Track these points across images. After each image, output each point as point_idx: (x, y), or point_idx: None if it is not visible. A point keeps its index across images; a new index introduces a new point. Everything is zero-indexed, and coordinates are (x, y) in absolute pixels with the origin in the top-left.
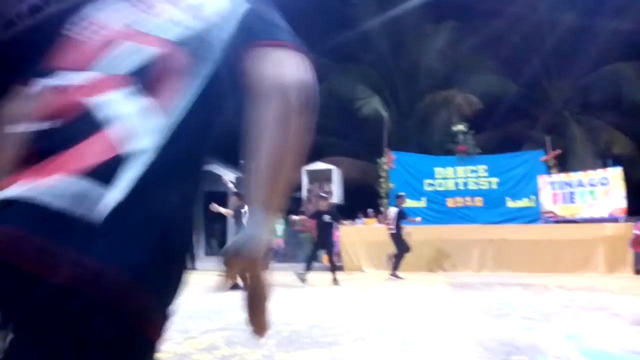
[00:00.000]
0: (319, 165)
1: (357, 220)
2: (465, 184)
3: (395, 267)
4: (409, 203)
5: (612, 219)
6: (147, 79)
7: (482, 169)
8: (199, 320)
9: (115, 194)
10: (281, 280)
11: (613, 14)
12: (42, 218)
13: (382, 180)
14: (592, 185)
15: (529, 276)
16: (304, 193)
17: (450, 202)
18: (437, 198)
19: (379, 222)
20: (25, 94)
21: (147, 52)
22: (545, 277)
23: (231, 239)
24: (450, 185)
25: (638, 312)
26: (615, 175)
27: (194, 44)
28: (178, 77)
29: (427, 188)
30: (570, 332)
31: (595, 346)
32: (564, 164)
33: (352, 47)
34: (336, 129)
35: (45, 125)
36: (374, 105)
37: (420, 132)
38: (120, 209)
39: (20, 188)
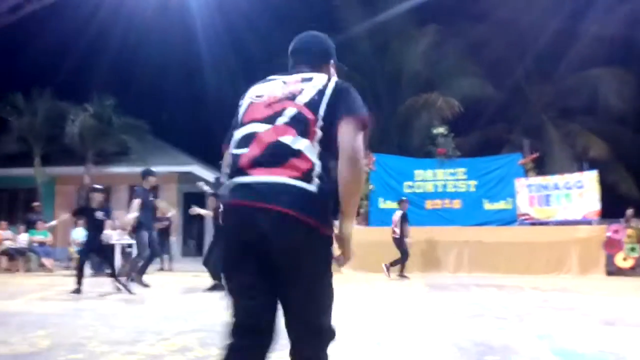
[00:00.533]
0: None
1: (336, 221)
2: (444, 187)
3: (402, 268)
4: (388, 204)
5: (586, 222)
6: (302, 127)
7: (461, 171)
8: (173, 321)
9: (312, 187)
10: None
11: (592, 21)
12: (298, 195)
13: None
14: (567, 188)
15: (504, 277)
16: None
17: (429, 204)
18: (416, 200)
19: (358, 222)
20: (239, 137)
21: (298, 111)
22: (520, 278)
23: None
24: (429, 187)
25: (608, 312)
26: (590, 179)
27: (314, 107)
28: (314, 126)
29: (406, 190)
30: (543, 333)
31: (566, 346)
32: (541, 167)
33: (335, 48)
34: None
35: (263, 151)
36: None
37: (401, 134)
38: (315, 193)
39: (271, 177)
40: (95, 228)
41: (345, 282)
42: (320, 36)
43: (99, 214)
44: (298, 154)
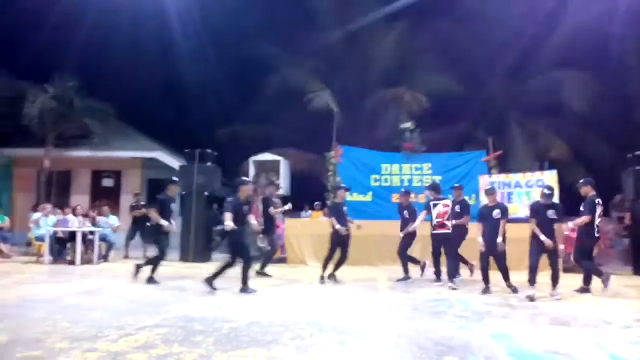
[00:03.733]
0: (267, 156)
1: (304, 213)
2: (410, 181)
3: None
4: (355, 197)
5: None
6: None
7: (426, 167)
8: (136, 315)
9: None
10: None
11: (558, 24)
12: None
13: (329, 174)
14: (529, 186)
15: (467, 273)
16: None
17: (395, 198)
18: (383, 193)
19: (325, 215)
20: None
21: None
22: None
23: None
24: (395, 181)
25: (562, 312)
26: (551, 178)
27: None
28: None
29: (373, 183)
30: (500, 332)
31: (521, 346)
32: (504, 165)
33: (306, 40)
34: (286, 121)
35: None
36: (325, 99)
37: (369, 127)
38: None
39: None
40: None
41: (314, 278)
42: None
43: None
44: None
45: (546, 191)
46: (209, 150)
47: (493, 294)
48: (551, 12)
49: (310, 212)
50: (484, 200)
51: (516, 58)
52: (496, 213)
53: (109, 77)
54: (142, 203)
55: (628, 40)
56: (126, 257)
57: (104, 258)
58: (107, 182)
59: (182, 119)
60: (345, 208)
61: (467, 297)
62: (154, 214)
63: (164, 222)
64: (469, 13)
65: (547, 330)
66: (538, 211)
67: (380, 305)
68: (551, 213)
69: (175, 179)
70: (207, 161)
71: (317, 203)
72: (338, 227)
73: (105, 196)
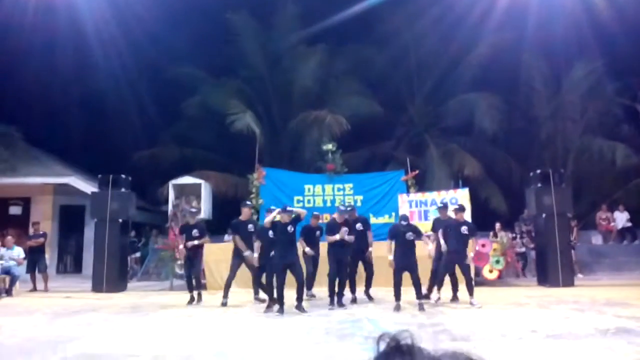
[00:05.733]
0: (187, 179)
1: (226, 237)
2: (332, 201)
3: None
4: (278, 219)
5: None
6: None
7: (348, 187)
8: (31, 355)
9: None
10: (137, 302)
11: (471, 49)
12: None
13: (252, 196)
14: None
15: (384, 291)
16: (170, 208)
17: (312, 220)
18: (306, 214)
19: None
20: None
21: None
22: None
23: None
24: (318, 202)
25: (466, 327)
26: (463, 196)
27: None
28: None
29: (296, 204)
30: None
31: None
32: (422, 184)
33: (227, 61)
34: (207, 143)
35: None
36: (246, 120)
37: (292, 149)
38: None
39: None
40: None
41: (231, 304)
42: None
43: None
44: None
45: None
46: (123, 175)
47: (404, 313)
48: (465, 37)
49: (232, 236)
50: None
51: (434, 80)
52: (463, 229)
53: (16, 99)
54: (41, 232)
55: (534, 65)
56: (33, 289)
57: (7, 292)
58: (15, 210)
59: (98, 142)
60: (250, 225)
61: (380, 316)
62: (238, 241)
63: (247, 253)
64: (387, 37)
65: (448, 345)
66: (436, 228)
67: (291, 330)
68: (464, 229)
69: (247, 202)
70: (121, 187)
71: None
72: (243, 247)
73: (12, 225)
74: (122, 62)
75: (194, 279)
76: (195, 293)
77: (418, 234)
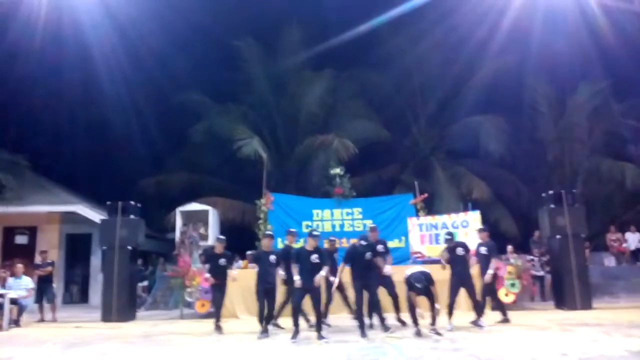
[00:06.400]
0: (194, 206)
1: (235, 264)
2: (341, 226)
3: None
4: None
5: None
6: None
7: (357, 211)
8: None
9: None
10: (149, 331)
11: (475, 72)
12: None
13: (260, 221)
14: (454, 227)
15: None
16: (178, 235)
17: (327, 244)
18: None
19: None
20: None
21: None
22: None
23: None
24: (327, 227)
25: (491, 351)
26: (474, 218)
27: None
28: None
29: (305, 230)
30: None
31: None
32: (430, 207)
33: (234, 87)
34: (214, 169)
35: None
36: (253, 146)
37: (299, 174)
38: None
39: None
40: None
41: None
42: None
43: None
44: None
45: (446, 236)
46: (131, 202)
47: (424, 336)
48: (468, 60)
49: (241, 262)
50: (414, 242)
51: (438, 103)
52: (483, 249)
53: (22, 127)
54: (49, 261)
55: (538, 87)
56: (41, 320)
57: (15, 323)
58: (21, 239)
59: (104, 169)
60: (272, 257)
61: (399, 342)
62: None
63: (296, 278)
64: (391, 60)
65: None
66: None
67: (312, 358)
68: (460, 250)
69: (268, 232)
70: (129, 214)
71: (249, 253)
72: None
73: (18, 254)
74: (128, 89)
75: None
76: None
77: (378, 253)
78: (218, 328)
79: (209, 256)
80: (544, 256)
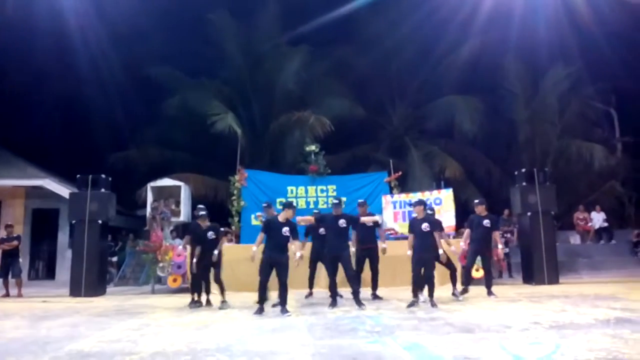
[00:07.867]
0: (166, 182)
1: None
2: (315, 203)
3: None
4: (260, 221)
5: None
6: None
7: (331, 188)
8: (20, 355)
9: None
10: (121, 304)
11: (448, 51)
12: None
13: (233, 198)
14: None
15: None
16: (149, 210)
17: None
18: None
19: (229, 240)
20: None
21: None
22: (386, 290)
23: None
24: (301, 203)
25: (466, 319)
26: (447, 196)
27: None
28: None
29: (279, 206)
30: (411, 343)
31: (432, 355)
32: (404, 185)
33: (208, 62)
34: (187, 144)
35: None
36: (228, 121)
37: (273, 150)
38: None
39: None
40: None
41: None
42: None
43: None
44: None
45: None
46: (102, 176)
47: (400, 309)
48: (446, 41)
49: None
50: (387, 219)
51: (413, 83)
52: (486, 222)
53: None
54: (15, 235)
55: (512, 68)
56: (6, 295)
57: None
58: None
59: (73, 144)
60: (285, 228)
61: (375, 314)
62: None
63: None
64: (368, 39)
65: (454, 337)
66: (414, 225)
67: (290, 327)
68: (425, 226)
69: (268, 202)
70: (100, 187)
71: (222, 229)
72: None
73: None
74: (99, 60)
75: (204, 282)
76: (204, 297)
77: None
78: (223, 302)
79: (196, 234)
80: (507, 234)
